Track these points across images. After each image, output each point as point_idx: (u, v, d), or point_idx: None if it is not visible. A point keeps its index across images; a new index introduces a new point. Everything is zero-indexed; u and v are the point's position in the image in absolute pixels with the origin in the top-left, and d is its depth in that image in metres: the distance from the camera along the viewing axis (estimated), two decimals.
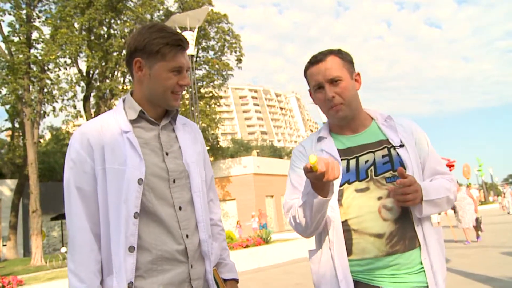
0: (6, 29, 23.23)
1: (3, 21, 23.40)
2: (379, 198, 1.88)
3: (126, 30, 25.55)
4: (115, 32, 26.24)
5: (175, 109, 1.98)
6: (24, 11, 23.02)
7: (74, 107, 25.20)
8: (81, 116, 26.36)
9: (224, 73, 30.91)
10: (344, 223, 1.90)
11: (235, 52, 30.21)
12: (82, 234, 1.73)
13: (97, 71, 26.45)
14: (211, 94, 34.72)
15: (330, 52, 2.06)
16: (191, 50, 24.47)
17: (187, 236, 1.83)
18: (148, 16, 26.04)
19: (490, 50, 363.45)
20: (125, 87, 27.04)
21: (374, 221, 1.85)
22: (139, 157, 1.77)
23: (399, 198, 1.81)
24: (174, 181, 1.85)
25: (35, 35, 23.47)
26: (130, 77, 27.07)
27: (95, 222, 1.76)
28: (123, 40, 25.33)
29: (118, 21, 25.85)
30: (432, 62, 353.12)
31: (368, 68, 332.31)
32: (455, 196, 2.05)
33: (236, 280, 2.09)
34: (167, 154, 1.88)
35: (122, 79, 27.24)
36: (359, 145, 2.03)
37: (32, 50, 23.30)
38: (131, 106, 1.90)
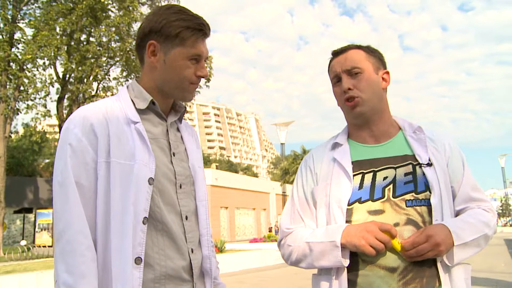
0: None
1: None
2: (396, 225, 1.48)
3: (104, 39, 25.15)
4: (93, 39, 25.82)
5: (183, 106, 1.65)
6: (10, 12, 22.50)
7: (44, 106, 24.52)
8: (49, 116, 25.63)
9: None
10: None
11: None
12: (83, 239, 1.33)
13: (73, 74, 25.89)
14: None
15: (355, 46, 1.71)
16: None
17: (192, 250, 1.51)
18: (126, 27, 25.68)
19: (428, 94, 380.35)
20: (98, 93, 26.52)
21: (387, 252, 1.47)
22: (148, 152, 1.43)
23: (415, 258, 1.44)
24: (180, 187, 1.53)
25: (17, 35, 22.96)
26: (103, 84, 27.00)
27: (92, 226, 1.37)
28: (100, 49, 24.90)
29: (97, 29, 25.43)
30: None
31: (324, 98, 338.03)
32: (495, 230, 1.61)
33: None
34: (174, 154, 1.55)
35: (95, 84, 26.71)
36: (380, 158, 1.62)
37: (13, 49, 22.71)
38: (139, 94, 1.54)
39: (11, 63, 22.25)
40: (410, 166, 1.58)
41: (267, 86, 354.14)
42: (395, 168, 1.58)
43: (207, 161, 66.54)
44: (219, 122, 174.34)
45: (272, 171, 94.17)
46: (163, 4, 27.57)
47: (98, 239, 1.37)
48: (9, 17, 22.33)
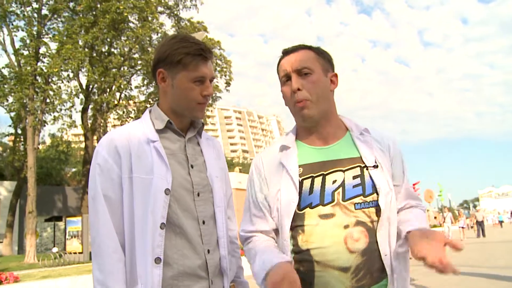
0: (17, 43, 23.50)
1: (16, 36, 23.49)
2: (346, 227, 1.54)
3: (125, 49, 25.77)
4: (115, 50, 26.46)
5: (200, 122, 1.85)
6: (35, 28, 23.27)
7: (70, 117, 25.22)
8: (75, 126, 26.32)
9: (213, 94, 31.06)
10: (306, 252, 1.57)
11: (225, 76, 30.34)
12: (110, 242, 1.59)
13: (96, 85, 26.55)
14: None
15: (306, 46, 1.73)
16: None
17: (208, 251, 1.71)
18: (147, 38, 26.27)
19: (450, 89, 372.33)
20: (120, 102, 27.17)
21: (339, 253, 1.53)
22: (166, 166, 1.65)
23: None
24: (198, 195, 1.74)
25: (42, 49, 23.66)
26: (125, 92, 27.59)
27: (120, 231, 1.62)
28: (122, 58, 25.53)
29: (118, 41, 26.06)
30: (400, 96, 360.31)
31: (344, 97, 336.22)
32: None
33: None
34: (192, 167, 1.76)
35: (118, 94, 27.36)
36: (328, 161, 1.65)
37: (39, 63, 23.46)
38: (158, 116, 1.77)
39: (37, 77, 23.00)
40: (358, 168, 1.62)
41: None
42: (343, 171, 1.62)
43: (230, 165, 66.47)
44: (241, 125, 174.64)
45: None
46: (181, 12, 28.04)
47: (126, 242, 1.61)
48: (35, 33, 23.12)
